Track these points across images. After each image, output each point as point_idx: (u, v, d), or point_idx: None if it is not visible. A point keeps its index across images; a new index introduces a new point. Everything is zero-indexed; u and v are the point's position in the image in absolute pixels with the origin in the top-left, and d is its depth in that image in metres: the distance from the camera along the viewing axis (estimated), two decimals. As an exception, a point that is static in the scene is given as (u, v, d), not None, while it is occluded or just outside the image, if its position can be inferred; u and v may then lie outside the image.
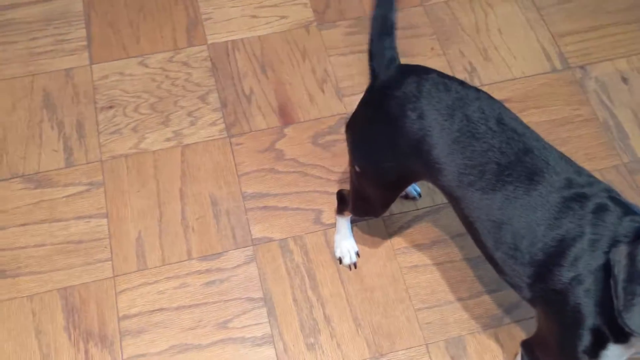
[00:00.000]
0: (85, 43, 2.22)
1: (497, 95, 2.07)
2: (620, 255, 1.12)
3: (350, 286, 1.80)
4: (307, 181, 1.97)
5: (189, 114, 2.09)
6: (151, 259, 1.82)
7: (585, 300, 1.19)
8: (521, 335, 1.73)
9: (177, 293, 1.78)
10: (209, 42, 2.24)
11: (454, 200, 1.38)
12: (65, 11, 2.29)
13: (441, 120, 1.33)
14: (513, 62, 2.23)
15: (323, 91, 2.14)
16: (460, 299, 1.79)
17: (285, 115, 2.09)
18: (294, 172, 1.99)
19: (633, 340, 1.19)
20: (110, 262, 1.81)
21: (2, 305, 1.74)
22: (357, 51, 2.22)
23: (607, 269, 1.15)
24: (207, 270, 1.81)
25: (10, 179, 1.95)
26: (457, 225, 1.87)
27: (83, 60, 2.18)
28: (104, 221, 1.88)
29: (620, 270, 1.11)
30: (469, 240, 1.80)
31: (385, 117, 1.40)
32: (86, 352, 1.69)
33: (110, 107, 2.09)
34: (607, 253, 1.17)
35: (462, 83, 1.40)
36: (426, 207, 1.93)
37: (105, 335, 1.71)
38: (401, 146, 1.38)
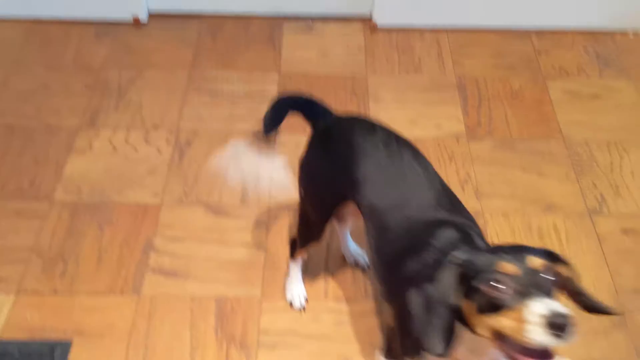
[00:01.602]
0: (273, 117, 2.71)
1: (623, 225, 2.31)
2: (413, 298, 1.33)
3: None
4: (437, 260, 2.23)
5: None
6: (294, 292, 2.12)
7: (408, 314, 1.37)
8: None
9: (311, 324, 2.04)
10: (373, 134, 2.65)
11: (367, 214, 1.65)
12: (262, 90, 2.82)
13: (367, 153, 1.66)
14: (642, 201, 2.44)
15: (463, 189, 2.44)
16: (563, 391, 1.91)
17: (427, 203, 2.40)
18: (427, 250, 2.26)
19: None
20: (260, 286, 2.13)
21: (170, 297, 2.09)
22: (499, 164, 2.53)
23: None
24: (338, 310, 2.08)
25: (196, 204, 2.37)
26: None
27: (269, 129, 2.66)
28: (262, 253, 2.23)
29: (416, 309, 1.31)
30: (579, 343, 1.98)
31: (325, 152, 1.76)
32: (227, 352, 1.97)
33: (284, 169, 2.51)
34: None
35: (386, 129, 1.76)
36: (542, 305, 2.11)
37: (245, 342, 1.99)
38: (336, 172, 1.71)
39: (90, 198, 2.38)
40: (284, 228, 2.30)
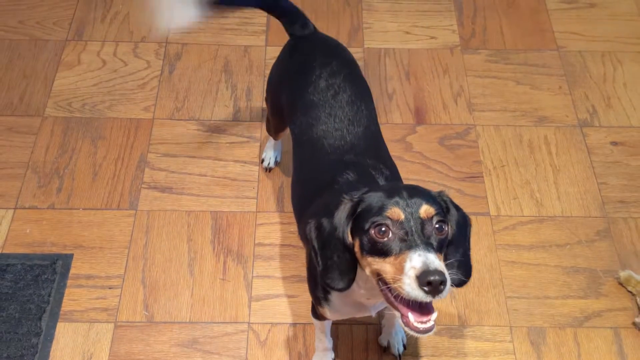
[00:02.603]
0: (264, 28, 2.65)
1: (612, 137, 2.34)
2: (311, 230, 1.30)
3: (452, 264, 2.05)
4: (428, 172, 2.26)
5: (339, 100, 2.44)
6: (288, 205, 2.16)
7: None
8: (598, 340, 1.92)
9: (305, 236, 2.10)
10: (366, 46, 2.61)
11: (294, 143, 1.71)
12: (253, 1, 2.74)
13: (310, 82, 1.69)
14: (633, 112, 2.45)
15: (456, 103, 2.44)
16: (547, 297, 2.00)
17: (419, 116, 2.40)
18: (418, 163, 2.29)
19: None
20: (255, 200, 2.17)
21: (166, 213, 2.13)
22: (493, 76, 2.52)
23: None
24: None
25: (188, 120, 2.36)
26: (557, 236, 2.12)
27: (260, 41, 2.61)
28: (256, 168, 2.25)
29: (314, 242, 1.29)
30: (565, 251, 2.05)
31: (285, 63, 1.86)
32: (224, 263, 2.03)
33: (276, 81, 2.49)
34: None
35: (343, 62, 1.76)
36: (532, 216, 2.17)
37: (242, 254, 2.05)
38: (284, 87, 1.79)
39: (81, 113, 2.36)
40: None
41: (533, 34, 2.68)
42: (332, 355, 1.86)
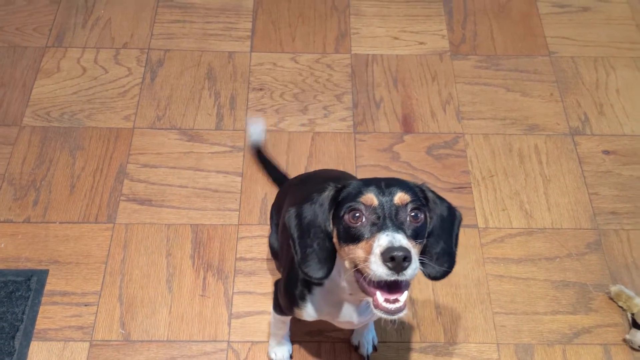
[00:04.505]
0: (249, 34, 2.59)
1: (604, 146, 2.29)
2: (291, 217, 1.29)
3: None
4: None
5: (324, 108, 2.39)
6: (271, 217, 2.10)
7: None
8: (587, 357, 1.86)
9: (288, 250, 2.04)
10: (353, 52, 2.55)
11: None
12: (238, 5, 2.68)
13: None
14: (625, 120, 2.39)
15: (445, 111, 2.38)
16: (535, 313, 1.95)
17: (407, 125, 2.35)
18: (405, 173, 2.23)
19: (327, 283, 1.38)
20: (237, 212, 2.11)
21: (145, 227, 2.07)
22: (482, 83, 2.46)
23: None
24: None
25: (169, 129, 2.30)
26: (546, 249, 2.06)
27: (245, 47, 2.55)
28: (239, 179, 2.19)
29: (294, 230, 1.28)
30: (555, 264, 2.00)
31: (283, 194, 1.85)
32: (204, 279, 1.97)
33: (260, 89, 2.42)
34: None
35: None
36: (521, 228, 2.11)
37: (222, 269, 1.99)
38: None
39: (60, 123, 2.30)
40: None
41: (524, 39, 2.62)
42: (290, 347, 1.82)
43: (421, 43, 2.59)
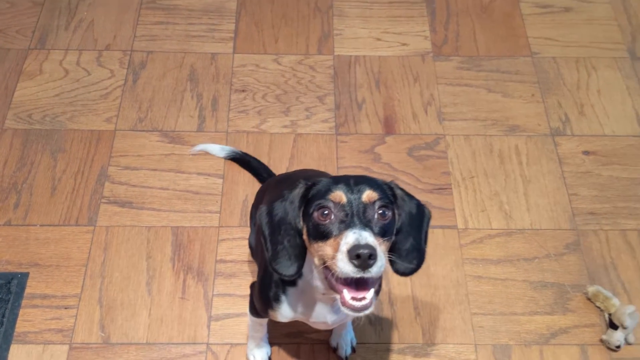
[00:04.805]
0: (232, 35, 2.59)
1: (584, 147, 2.30)
2: (262, 215, 1.31)
3: (417, 280, 2.01)
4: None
5: (307, 109, 2.39)
6: (252, 219, 2.11)
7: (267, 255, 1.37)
8: (564, 358, 1.88)
9: (268, 252, 2.05)
10: (336, 53, 2.56)
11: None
12: (221, 7, 2.68)
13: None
14: (606, 120, 2.40)
15: (426, 112, 2.39)
16: (513, 313, 1.96)
17: (389, 126, 2.35)
18: (386, 174, 2.24)
19: (300, 283, 1.40)
20: (218, 215, 2.12)
21: (125, 229, 2.08)
22: (464, 84, 2.47)
23: None
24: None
25: (151, 131, 2.31)
26: (525, 249, 2.08)
27: (228, 48, 2.55)
28: (220, 181, 2.20)
29: (265, 227, 1.30)
30: (533, 265, 2.02)
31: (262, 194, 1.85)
32: (184, 281, 1.98)
33: (243, 91, 2.43)
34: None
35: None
36: (500, 229, 2.12)
37: (202, 271, 2.00)
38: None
39: (41, 125, 2.30)
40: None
41: (507, 39, 2.63)
42: (268, 349, 1.83)
43: (404, 44, 2.59)
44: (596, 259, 2.07)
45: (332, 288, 1.24)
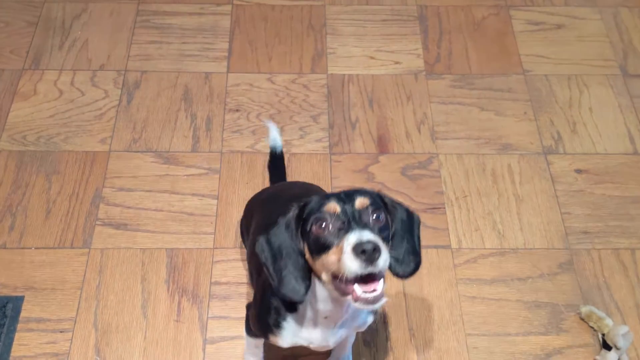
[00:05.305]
0: (226, 54, 2.61)
1: (577, 165, 2.31)
2: (262, 246, 1.33)
3: (411, 301, 2.02)
4: (390, 204, 2.23)
5: (301, 129, 2.40)
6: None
7: (267, 282, 1.39)
8: (558, 378, 1.89)
9: (263, 273, 2.06)
10: (329, 72, 2.57)
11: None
12: (215, 25, 2.70)
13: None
14: (598, 139, 2.42)
15: (419, 131, 2.41)
16: (508, 334, 1.97)
17: (382, 145, 2.37)
18: (381, 194, 2.25)
19: (301, 308, 1.42)
20: (212, 236, 2.12)
21: (120, 252, 2.08)
22: (457, 103, 2.48)
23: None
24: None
25: (145, 152, 2.31)
26: (519, 269, 2.09)
27: (222, 68, 2.56)
28: (214, 202, 2.20)
29: (266, 257, 1.32)
30: (527, 284, 2.02)
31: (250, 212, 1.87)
32: (179, 304, 1.99)
33: (237, 110, 2.44)
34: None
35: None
36: (493, 249, 2.14)
37: (197, 294, 2.01)
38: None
39: (36, 146, 2.31)
40: (237, 175, 2.27)
41: (499, 57, 2.65)
42: None
43: (397, 62, 2.61)
44: (589, 278, 2.09)
45: (343, 292, 1.27)
